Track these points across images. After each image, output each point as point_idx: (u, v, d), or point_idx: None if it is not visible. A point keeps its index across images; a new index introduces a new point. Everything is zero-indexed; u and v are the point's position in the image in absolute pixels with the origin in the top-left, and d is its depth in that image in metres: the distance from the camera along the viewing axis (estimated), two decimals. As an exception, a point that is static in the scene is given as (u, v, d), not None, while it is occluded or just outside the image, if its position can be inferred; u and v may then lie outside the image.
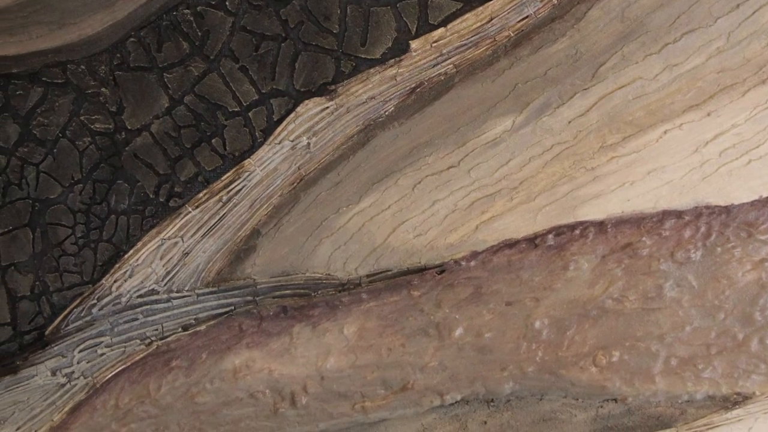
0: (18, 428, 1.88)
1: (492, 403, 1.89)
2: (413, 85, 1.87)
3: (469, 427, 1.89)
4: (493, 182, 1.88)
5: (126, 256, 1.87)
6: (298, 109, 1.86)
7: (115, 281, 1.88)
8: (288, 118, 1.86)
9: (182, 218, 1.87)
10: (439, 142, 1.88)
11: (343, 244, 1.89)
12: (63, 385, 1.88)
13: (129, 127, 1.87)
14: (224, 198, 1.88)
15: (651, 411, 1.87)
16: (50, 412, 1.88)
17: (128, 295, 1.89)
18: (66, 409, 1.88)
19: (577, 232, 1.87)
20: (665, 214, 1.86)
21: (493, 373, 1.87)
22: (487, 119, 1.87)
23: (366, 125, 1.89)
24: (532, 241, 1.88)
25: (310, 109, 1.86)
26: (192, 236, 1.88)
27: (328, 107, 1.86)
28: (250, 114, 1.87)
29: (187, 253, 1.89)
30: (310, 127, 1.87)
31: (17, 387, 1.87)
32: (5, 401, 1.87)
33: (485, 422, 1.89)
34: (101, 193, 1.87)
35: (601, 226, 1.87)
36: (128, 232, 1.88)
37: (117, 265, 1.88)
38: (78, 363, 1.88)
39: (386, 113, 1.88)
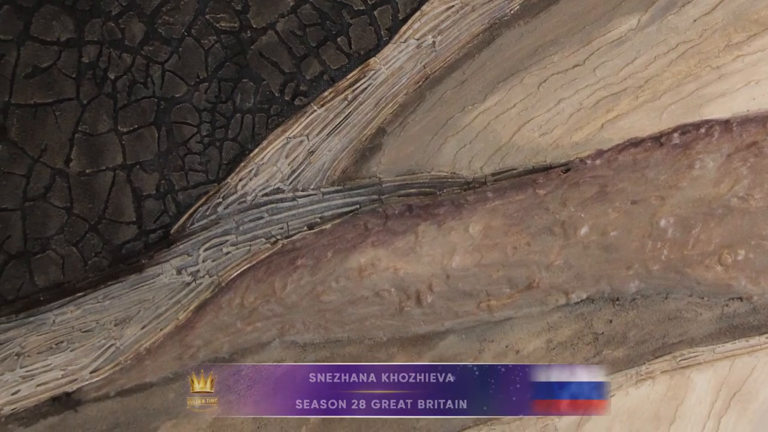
0: (143, 327, 1.87)
1: (617, 302, 1.88)
2: (539, -16, 1.87)
3: (595, 325, 1.89)
4: (618, 81, 1.87)
5: (251, 154, 1.87)
6: (424, 7, 1.86)
7: (240, 180, 1.88)
8: (413, 17, 1.86)
9: (307, 117, 1.87)
10: (564, 41, 1.88)
11: (469, 143, 1.89)
12: (188, 284, 1.88)
13: (254, 26, 1.87)
14: (349, 96, 1.87)
15: (776, 310, 1.86)
16: (175, 311, 1.88)
17: (253, 194, 1.89)
18: (191, 307, 1.88)
19: (703, 130, 1.87)
20: (791, 113, 1.86)
21: (618, 272, 1.87)
22: (613, 18, 1.87)
23: (491, 24, 1.88)
24: (658, 139, 1.88)
25: (436, 7, 1.86)
26: (317, 135, 1.88)
27: (453, 6, 1.86)
28: (375, 12, 1.87)
29: (312, 152, 1.89)
30: (435, 26, 1.87)
31: (142, 285, 1.86)
32: (131, 300, 1.86)
33: (610, 321, 1.89)
34: (226, 91, 1.87)
35: (726, 124, 1.87)
36: (253, 130, 1.88)
37: (242, 164, 1.87)
38: (203, 262, 1.88)
39: (511, 12, 1.88)
